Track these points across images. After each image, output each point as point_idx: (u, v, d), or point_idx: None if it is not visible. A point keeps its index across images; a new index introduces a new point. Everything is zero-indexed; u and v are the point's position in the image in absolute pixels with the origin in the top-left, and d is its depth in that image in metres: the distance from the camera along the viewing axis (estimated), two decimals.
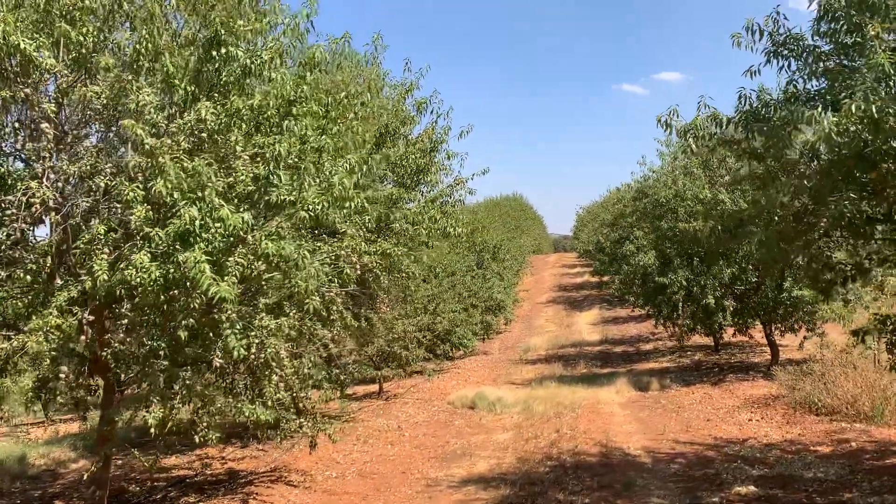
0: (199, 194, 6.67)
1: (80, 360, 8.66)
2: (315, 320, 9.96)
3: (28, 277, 7.40)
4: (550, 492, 10.30)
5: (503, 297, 33.06)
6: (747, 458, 11.43)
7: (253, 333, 7.82)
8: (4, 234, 7.19)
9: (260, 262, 7.18)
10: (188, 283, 6.77)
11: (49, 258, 7.61)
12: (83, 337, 7.45)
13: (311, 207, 7.32)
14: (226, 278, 6.81)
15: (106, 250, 6.91)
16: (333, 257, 10.15)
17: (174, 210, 6.67)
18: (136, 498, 10.86)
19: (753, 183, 9.51)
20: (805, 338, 18.75)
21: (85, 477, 8.84)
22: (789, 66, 8.88)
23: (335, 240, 10.83)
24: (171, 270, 6.82)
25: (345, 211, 8.24)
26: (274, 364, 8.28)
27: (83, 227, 7.21)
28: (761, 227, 8.70)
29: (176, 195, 6.60)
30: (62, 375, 7.46)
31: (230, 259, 7.00)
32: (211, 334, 7.55)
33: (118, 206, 7.33)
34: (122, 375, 8.29)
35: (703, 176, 18.88)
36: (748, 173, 9.62)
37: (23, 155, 7.57)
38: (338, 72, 12.05)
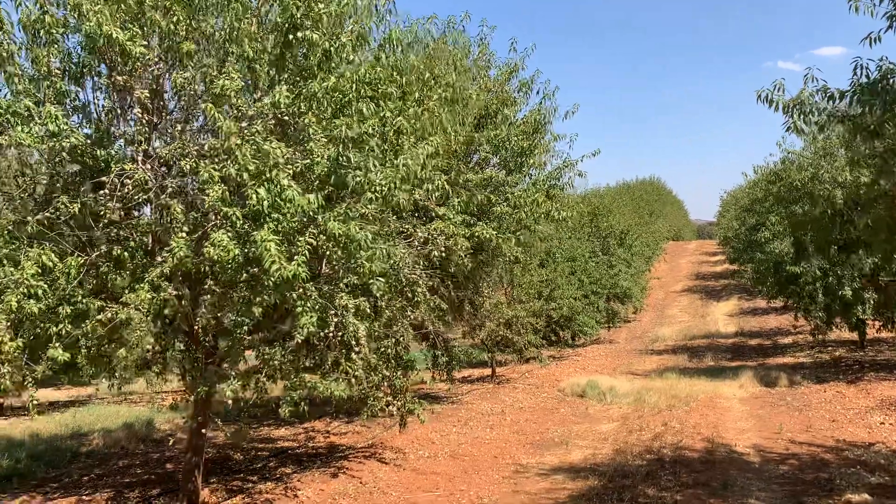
0: (268, 175, 6.86)
1: (181, 333, 9.21)
2: (403, 302, 10.07)
3: (126, 254, 7.93)
4: (641, 486, 9.88)
5: (629, 285, 32.08)
6: (868, 464, 10.46)
7: (332, 312, 8.01)
8: (104, 212, 7.72)
9: (330, 243, 7.31)
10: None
11: (149, 236, 8.15)
12: (168, 311, 7.88)
13: (377, 189, 7.36)
14: (296, 258, 7.00)
15: (185, 229, 7.26)
16: (422, 240, 10.23)
17: (243, 190, 6.91)
18: (238, 465, 11.47)
19: (872, 162, 8.61)
20: None
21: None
22: None
23: (430, 223, 10.90)
24: (249, 249, 7.09)
25: (419, 193, 8.20)
26: (354, 343, 8.41)
27: (169, 207, 7.62)
28: (878, 210, 7.85)
29: (245, 176, 6.83)
30: (150, 347, 7.93)
31: (300, 239, 7.16)
32: (286, 310, 7.77)
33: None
34: (215, 349, 8.73)
35: (845, 156, 17.37)
36: (867, 152, 8.72)
37: (121, 139, 8.09)
38: (426, 52, 12.02)
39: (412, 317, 9.93)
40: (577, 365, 25.01)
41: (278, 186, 6.92)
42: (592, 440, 12.99)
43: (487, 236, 12.48)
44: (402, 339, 10.18)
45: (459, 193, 10.78)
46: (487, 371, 22.33)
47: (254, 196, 6.72)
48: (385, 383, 9.90)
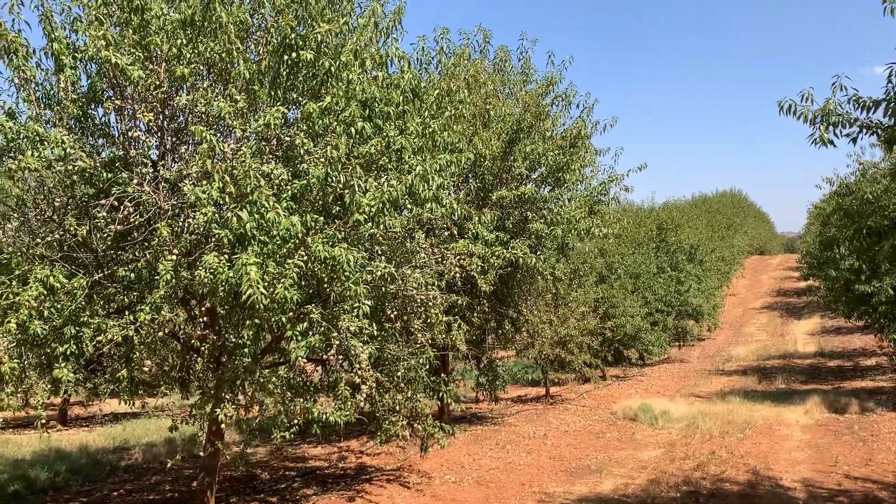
0: (252, 197, 6.78)
1: (192, 353, 9.27)
2: (419, 323, 9.85)
3: (132, 275, 8.02)
4: None
5: (700, 302, 30.80)
6: None
7: (334, 335, 7.87)
8: (105, 235, 7.84)
9: (317, 266, 7.17)
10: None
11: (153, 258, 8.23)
12: (164, 331, 7.91)
13: (365, 210, 7.17)
14: (282, 281, 6.89)
15: (175, 251, 7.26)
16: (438, 259, 9.99)
17: (223, 213, 6.85)
18: (263, 485, 11.45)
19: None
20: None
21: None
22: None
23: (455, 242, 10.65)
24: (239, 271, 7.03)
25: (411, 213, 7.98)
26: (357, 366, 8.24)
27: (165, 230, 7.65)
28: None
29: (227, 198, 6.77)
30: (147, 368, 7.98)
31: (289, 262, 7.05)
32: (281, 335, 7.67)
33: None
34: (218, 369, 8.72)
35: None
36: None
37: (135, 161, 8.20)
38: (442, 69, 11.80)
39: (427, 338, 9.64)
40: (639, 386, 24.13)
41: (262, 209, 6.83)
42: (630, 468, 12.37)
43: (520, 255, 12.14)
44: (416, 362, 9.90)
45: (485, 213, 10.48)
46: (543, 391, 21.81)
47: (234, 220, 6.65)
48: (402, 406, 9.67)
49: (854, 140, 7.73)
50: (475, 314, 13.72)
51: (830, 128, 7.65)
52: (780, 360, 29.52)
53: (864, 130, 7.65)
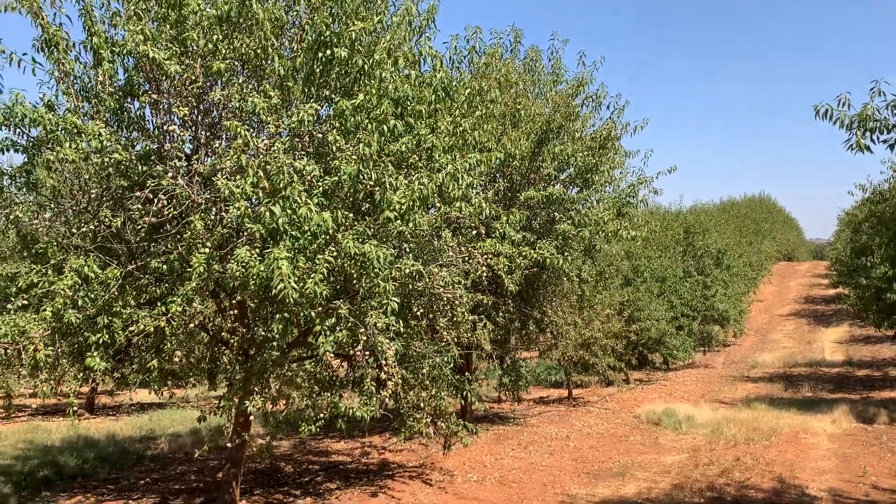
0: (284, 192, 6.85)
1: (221, 345, 9.38)
2: (445, 321, 9.88)
3: (164, 267, 8.13)
4: None
5: (726, 308, 30.49)
6: None
7: (361, 330, 7.92)
8: (138, 227, 7.96)
9: (348, 262, 7.23)
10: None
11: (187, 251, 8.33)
12: (194, 323, 8.01)
13: (395, 208, 7.21)
14: (312, 276, 6.95)
15: (208, 245, 7.35)
16: (466, 258, 10.00)
17: (257, 207, 6.92)
18: (287, 478, 11.55)
19: None
20: None
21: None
22: None
23: (482, 241, 10.67)
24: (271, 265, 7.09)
25: (454, 211, 8.00)
26: (383, 362, 8.28)
27: (199, 223, 7.74)
28: None
29: (261, 193, 6.85)
30: (178, 359, 8.08)
31: (319, 257, 7.10)
32: (309, 329, 7.73)
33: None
34: (246, 361, 8.81)
35: None
36: None
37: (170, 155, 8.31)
38: (475, 68, 11.79)
39: (452, 336, 9.67)
40: (663, 390, 23.97)
41: (294, 204, 6.89)
42: (654, 472, 12.30)
43: (547, 255, 12.11)
44: (441, 360, 9.92)
45: (513, 213, 10.46)
46: (566, 392, 21.75)
47: (267, 214, 6.72)
48: (427, 403, 9.70)
49: (892, 146, 7.62)
50: (500, 314, 13.71)
51: (867, 133, 7.55)
52: (806, 367, 29.15)
53: None
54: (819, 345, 35.00)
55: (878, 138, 7.63)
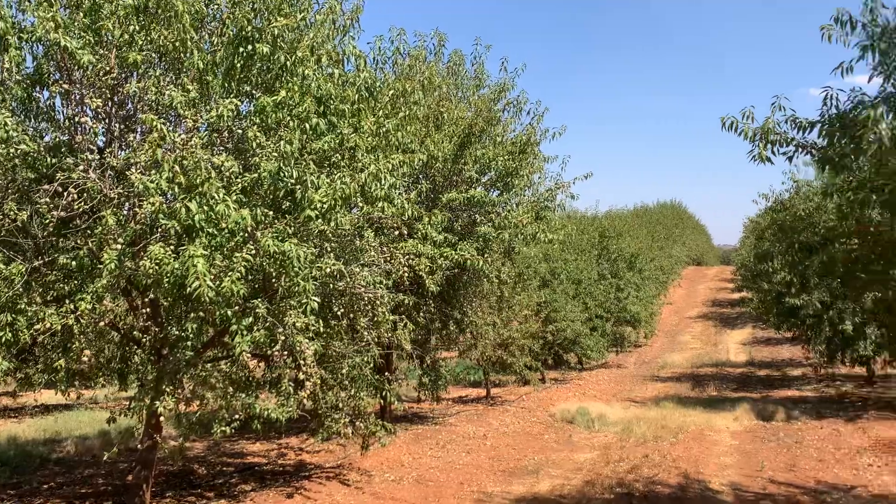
0: (201, 189, 6.73)
1: (132, 344, 9.12)
2: (366, 321, 9.89)
3: (73, 263, 7.85)
4: None
5: (638, 310, 31.51)
6: None
7: (279, 330, 7.84)
8: (46, 221, 7.66)
9: (266, 260, 7.16)
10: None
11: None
12: (104, 321, 7.77)
13: (317, 207, 7.19)
14: (229, 274, 6.85)
15: (120, 240, 7.16)
16: (388, 258, 10.05)
17: (172, 203, 6.79)
18: (200, 480, 11.31)
19: (844, 197, 8.27)
20: None
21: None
22: (885, 62, 7.60)
23: (404, 242, 10.71)
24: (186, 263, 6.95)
25: (361, 211, 8.03)
26: (302, 362, 8.22)
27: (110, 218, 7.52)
28: (837, 245, 7.51)
29: (176, 189, 6.71)
30: (87, 358, 7.81)
31: (237, 255, 7.01)
32: (226, 328, 7.62)
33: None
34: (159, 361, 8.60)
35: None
36: (838, 185, 8.38)
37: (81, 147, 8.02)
38: (398, 69, 11.89)
39: (373, 336, 9.70)
40: (577, 389, 24.56)
41: (212, 200, 6.78)
42: (566, 470, 12.63)
43: (467, 256, 12.28)
44: (360, 360, 9.93)
45: (435, 214, 10.59)
46: (484, 392, 22.03)
47: (183, 210, 6.59)
48: (346, 404, 9.69)
49: (790, 158, 8.08)
50: (421, 314, 13.82)
51: (769, 146, 7.98)
52: (712, 367, 30.42)
53: (800, 150, 8.00)
54: (724, 346, 36.56)
55: (778, 150, 8.06)
